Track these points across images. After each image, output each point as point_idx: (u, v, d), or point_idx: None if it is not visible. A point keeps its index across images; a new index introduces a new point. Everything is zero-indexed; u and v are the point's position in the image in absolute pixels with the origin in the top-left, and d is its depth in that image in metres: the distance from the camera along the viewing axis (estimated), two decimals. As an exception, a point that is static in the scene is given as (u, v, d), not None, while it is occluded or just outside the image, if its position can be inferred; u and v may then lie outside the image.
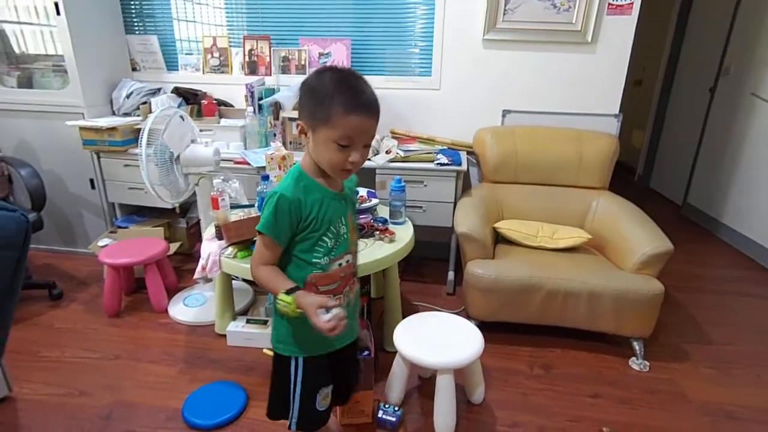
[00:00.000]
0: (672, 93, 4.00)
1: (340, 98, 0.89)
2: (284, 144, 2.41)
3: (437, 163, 2.20)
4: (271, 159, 2.02)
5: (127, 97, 2.57)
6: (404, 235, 1.81)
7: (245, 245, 1.70)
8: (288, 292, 0.94)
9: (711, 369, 1.89)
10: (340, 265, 1.05)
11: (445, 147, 2.38)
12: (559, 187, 2.30)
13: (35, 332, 2.04)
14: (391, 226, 1.84)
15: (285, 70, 2.65)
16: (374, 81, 2.48)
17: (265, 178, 1.92)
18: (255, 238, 1.74)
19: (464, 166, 2.24)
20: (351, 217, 1.08)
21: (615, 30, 2.31)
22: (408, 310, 1.74)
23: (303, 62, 2.62)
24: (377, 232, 1.78)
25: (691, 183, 3.58)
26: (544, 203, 2.26)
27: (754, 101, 2.94)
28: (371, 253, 1.67)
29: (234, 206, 1.98)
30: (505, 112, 2.48)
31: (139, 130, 2.10)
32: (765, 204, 2.81)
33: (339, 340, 1.10)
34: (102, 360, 1.88)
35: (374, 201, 1.95)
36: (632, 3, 2.25)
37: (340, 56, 2.60)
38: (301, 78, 2.63)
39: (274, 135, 2.47)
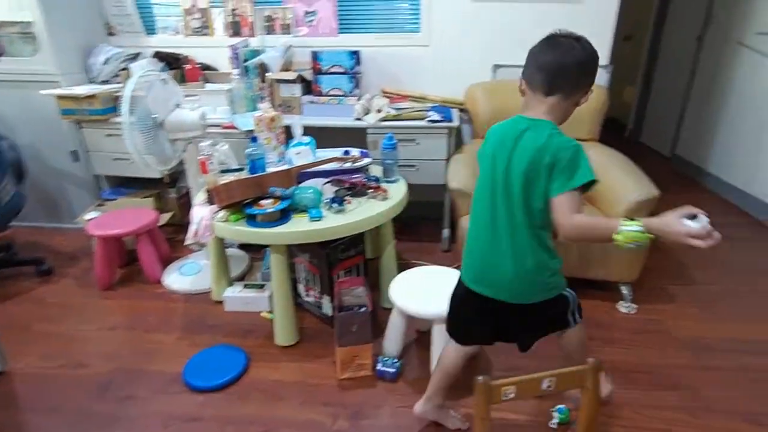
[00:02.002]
0: (661, 45, 3.95)
1: None
2: (273, 106, 2.35)
3: (428, 120, 2.17)
4: (260, 121, 1.97)
5: (105, 63, 2.47)
6: (397, 192, 1.79)
7: (237, 208, 1.68)
8: (629, 220, 0.91)
9: (695, 308, 1.96)
10: None
11: (436, 104, 2.34)
12: (551, 142, 2.28)
13: (26, 308, 2.03)
14: (384, 185, 1.82)
15: (270, 30, 2.55)
16: (363, 39, 2.48)
17: (254, 140, 1.88)
18: (248, 199, 1.68)
19: (455, 123, 2.21)
20: None
21: (603, -21, 2.25)
22: (404, 268, 1.75)
23: (288, 21, 2.53)
24: (370, 191, 1.77)
25: (679, 135, 3.60)
26: (537, 158, 2.25)
27: (739, 49, 2.92)
28: (364, 211, 1.66)
29: (224, 171, 1.94)
30: (496, 67, 2.43)
31: (120, 97, 2.02)
32: (747, 151, 2.84)
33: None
34: (98, 331, 1.88)
35: (366, 160, 1.93)
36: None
37: (326, 14, 2.50)
38: (287, 38, 2.56)
39: (262, 98, 2.40)
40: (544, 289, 1.14)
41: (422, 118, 2.19)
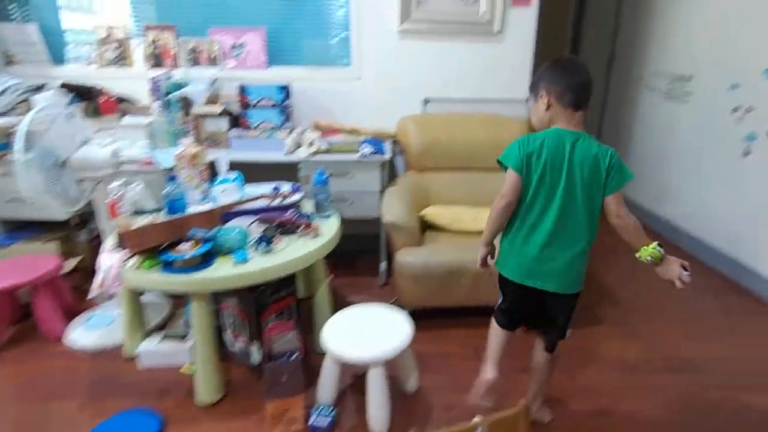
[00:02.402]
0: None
1: None
2: (198, 141, 2.23)
3: (360, 154, 2.16)
4: (181, 158, 1.85)
5: (1, 94, 2.22)
6: (329, 229, 1.73)
7: (151, 253, 1.52)
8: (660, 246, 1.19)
9: (619, 328, 2.06)
10: None
11: (369, 137, 2.34)
12: (480, 172, 2.35)
13: None
14: (316, 221, 1.76)
15: (195, 62, 2.45)
16: (294, 72, 2.46)
17: (172, 179, 1.75)
18: (165, 243, 1.54)
19: (387, 155, 2.22)
20: None
21: (518, 21, 2.42)
22: (341, 306, 1.67)
23: (214, 54, 2.44)
24: (300, 229, 1.69)
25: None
26: (468, 188, 2.31)
27: (640, 87, 3.26)
28: (294, 250, 1.58)
29: (138, 212, 1.78)
30: (426, 101, 2.50)
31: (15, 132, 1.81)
32: (653, 174, 3.11)
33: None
34: (-20, 403, 1.60)
35: (297, 196, 1.86)
36: (533, -7, 2.38)
37: (254, 47, 2.46)
38: (214, 70, 2.47)
39: (185, 132, 2.27)
40: (580, 280, 1.30)
41: (354, 152, 2.18)
